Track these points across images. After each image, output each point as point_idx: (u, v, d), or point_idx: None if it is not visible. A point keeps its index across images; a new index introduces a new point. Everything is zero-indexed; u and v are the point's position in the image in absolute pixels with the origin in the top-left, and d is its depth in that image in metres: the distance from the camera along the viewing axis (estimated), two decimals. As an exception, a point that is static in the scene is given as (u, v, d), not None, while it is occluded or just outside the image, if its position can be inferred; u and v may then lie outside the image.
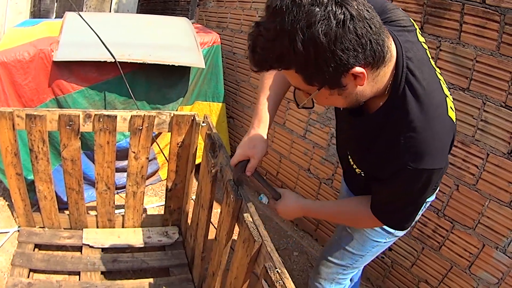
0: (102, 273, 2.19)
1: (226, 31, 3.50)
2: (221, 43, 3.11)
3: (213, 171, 1.65)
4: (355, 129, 1.22)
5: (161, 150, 2.81)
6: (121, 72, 2.43)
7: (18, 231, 2.41)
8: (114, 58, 2.41)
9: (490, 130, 1.79)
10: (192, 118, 2.14)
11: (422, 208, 1.43)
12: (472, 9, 1.74)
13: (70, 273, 2.21)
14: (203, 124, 2.03)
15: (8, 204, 2.71)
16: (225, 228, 1.53)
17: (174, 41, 2.77)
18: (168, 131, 2.20)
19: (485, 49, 1.73)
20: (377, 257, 2.28)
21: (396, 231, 1.46)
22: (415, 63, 1.01)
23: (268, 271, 1.11)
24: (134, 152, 2.16)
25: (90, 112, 2.01)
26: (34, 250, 2.28)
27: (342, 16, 0.83)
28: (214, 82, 3.08)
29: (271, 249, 1.18)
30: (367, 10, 0.87)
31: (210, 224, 1.91)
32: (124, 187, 2.50)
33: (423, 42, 1.11)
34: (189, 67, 2.76)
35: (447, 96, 1.06)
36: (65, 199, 2.42)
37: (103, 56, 2.43)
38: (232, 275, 1.47)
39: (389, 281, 2.40)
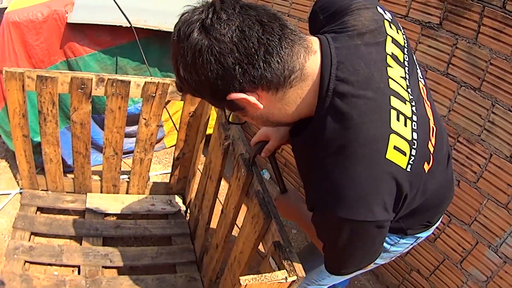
0: (104, 238, 2.31)
1: (241, 1, 3.54)
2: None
3: (225, 143, 1.76)
4: (293, 148, 1.13)
5: (170, 116, 2.90)
6: (136, 37, 2.51)
7: (21, 193, 2.51)
8: (130, 23, 2.49)
9: (496, 132, 1.87)
10: (207, 89, 2.22)
11: (405, 244, 1.37)
12: (492, 12, 1.81)
13: (72, 237, 2.33)
14: None
15: (10, 166, 2.82)
16: (233, 202, 1.65)
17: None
18: (181, 100, 2.29)
19: (500, 53, 1.80)
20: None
21: None
22: (351, 84, 0.88)
23: (277, 249, 1.21)
24: (145, 119, 2.26)
25: (104, 76, 2.09)
26: (36, 213, 2.38)
27: (199, 47, 0.83)
28: None
29: (280, 227, 1.28)
30: (242, 30, 0.83)
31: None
32: (129, 152, 2.62)
33: (393, 54, 0.97)
34: (203, 37, 2.82)
35: (394, 133, 0.88)
36: (69, 162, 2.54)
37: (118, 20, 2.50)
38: (237, 249, 1.58)
39: (382, 267, 2.56)
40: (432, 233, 1.50)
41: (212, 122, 2.41)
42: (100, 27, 2.53)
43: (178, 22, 0.89)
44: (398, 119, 0.89)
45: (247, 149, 1.62)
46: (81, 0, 2.53)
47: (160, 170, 3.12)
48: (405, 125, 0.91)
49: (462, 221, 2.09)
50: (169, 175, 2.73)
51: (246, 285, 1.09)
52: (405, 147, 0.89)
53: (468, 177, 2.02)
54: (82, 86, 2.07)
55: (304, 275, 1.15)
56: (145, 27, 2.56)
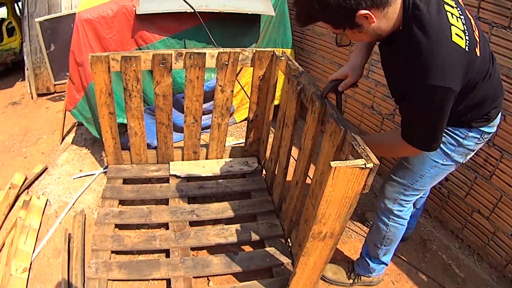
0: (188, 198, 2.73)
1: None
2: (286, -6, 3.65)
3: (298, 88, 2.18)
4: (386, 58, 1.73)
5: (242, 87, 3.41)
6: (201, 21, 3.01)
7: (104, 173, 2.99)
8: (193, 9, 2.99)
9: None
10: (272, 53, 2.67)
11: (473, 138, 1.80)
12: None
13: (157, 202, 2.75)
14: (282, 58, 2.55)
15: (91, 152, 3.38)
16: (310, 133, 2.06)
17: (245, -8, 3.32)
18: (251, 66, 2.72)
19: None
20: (434, 187, 2.75)
21: (453, 154, 1.83)
22: (422, 0, 1.40)
23: (355, 147, 1.60)
24: (220, 86, 2.72)
25: (182, 51, 2.54)
26: (122, 185, 2.81)
27: None
28: (282, 29, 3.66)
29: (354, 135, 1.67)
30: None
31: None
32: (203, 129, 3.08)
33: None
34: (260, 16, 3.33)
35: (453, 25, 1.39)
36: (148, 141, 2.99)
37: (182, 7, 3.00)
38: (318, 173, 1.95)
39: (445, 211, 2.88)
40: (486, 140, 1.85)
41: (278, 93, 2.83)
42: (166, 15, 3.03)
43: None
44: (452, 17, 1.42)
45: (318, 89, 2.04)
46: (145, -7, 3.05)
47: (232, 141, 3.58)
48: (457, 21, 1.43)
49: (514, 155, 2.36)
50: (241, 145, 3.19)
51: (335, 168, 1.48)
52: (461, 34, 1.41)
53: (514, 111, 2.30)
54: (163, 61, 2.53)
55: (378, 163, 1.53)
56: (207, 10, 3.05)
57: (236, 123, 3.85)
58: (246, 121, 3.15)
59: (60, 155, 3.40)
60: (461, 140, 1.79)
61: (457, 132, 1.78)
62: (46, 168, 3.23)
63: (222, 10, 3.06)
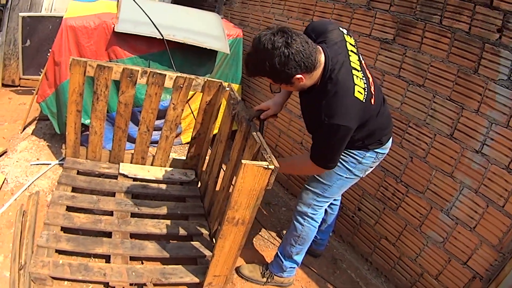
0: (133, 195, 3.21)
1: (247, 28, 4.74)
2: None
3: (233, 112, 2.78)
4: (305, 103, 2.32)
5: (192, 111, 4.00)
6: (167, 47, 3.62)
7: (60, 164, 3.46)
8: (162, 36, 3.58)
9: (438, 117, 2.71)
10: (220, 84, 3.28)
11: (370, 157, 2.43)
12: (431, 27, 2.72)
13: (105, 194, 3.18)
14: (227, 89, 3.15)
15: (48, 145, 3.84)
16: (237, 147, 2.65)
17: (207, 30, 3.97)
18: (201, 92, 3.30)
19: (438, 57, 2.70)
20: (348, 215, 3.32)
21: (354, 170, 2.45)
22: (336, 66, 2.04)
23: (263, 154, 2.17)
24: (173, 104, 3.29)
25: (146, 69, 3.10)
26: (77, 175, 3.25)
27: (288, 53, 1.88)
28: (234, 67, 4.32)
29: (266, 148, 2.24)
30: (302, 46, 1.90)
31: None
32: (152, 143, 3.63)
33: (351, 50, 2.15)
34: (217, 52, 3.96)
35: (356, 84, 2.04)
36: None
37: (153, 33, 3.59)
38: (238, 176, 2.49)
39: (357, 238, 3.40)
40: (381, 159, 2.50)
41: (217, 124, 3.39)
42: (138, 37, 3.60)
43: (263, 39, 1.92)
44: (356, 78, 2.07)
45: (248, 114, 2.63)
46: (124, 15, 3.64)
47: (175, 157, 4.05)
48: (360, 81, 2.07)
49: (417, 190, 2.89)
50: (182, 159, 3.74)
51: (245, 164, 2.03)
52: (362, 90, 2.06)
53: (419, 154, 2.86)
54: (131, 75, 3.07)
55: (278, 166, 2.12)
56: (174, 40, 3.65)
57: (182, 144, 4.43)
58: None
59: (20, 143, 3.81)
60: (360, 159, 2.43)
61: (357, 153, 2.41)
62: (6, 152, 3.61)
63: (185, 41, 3.67)
